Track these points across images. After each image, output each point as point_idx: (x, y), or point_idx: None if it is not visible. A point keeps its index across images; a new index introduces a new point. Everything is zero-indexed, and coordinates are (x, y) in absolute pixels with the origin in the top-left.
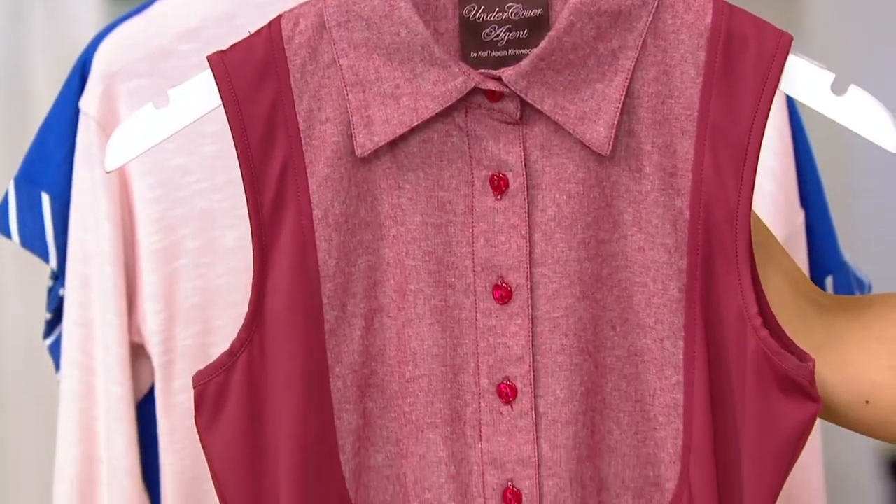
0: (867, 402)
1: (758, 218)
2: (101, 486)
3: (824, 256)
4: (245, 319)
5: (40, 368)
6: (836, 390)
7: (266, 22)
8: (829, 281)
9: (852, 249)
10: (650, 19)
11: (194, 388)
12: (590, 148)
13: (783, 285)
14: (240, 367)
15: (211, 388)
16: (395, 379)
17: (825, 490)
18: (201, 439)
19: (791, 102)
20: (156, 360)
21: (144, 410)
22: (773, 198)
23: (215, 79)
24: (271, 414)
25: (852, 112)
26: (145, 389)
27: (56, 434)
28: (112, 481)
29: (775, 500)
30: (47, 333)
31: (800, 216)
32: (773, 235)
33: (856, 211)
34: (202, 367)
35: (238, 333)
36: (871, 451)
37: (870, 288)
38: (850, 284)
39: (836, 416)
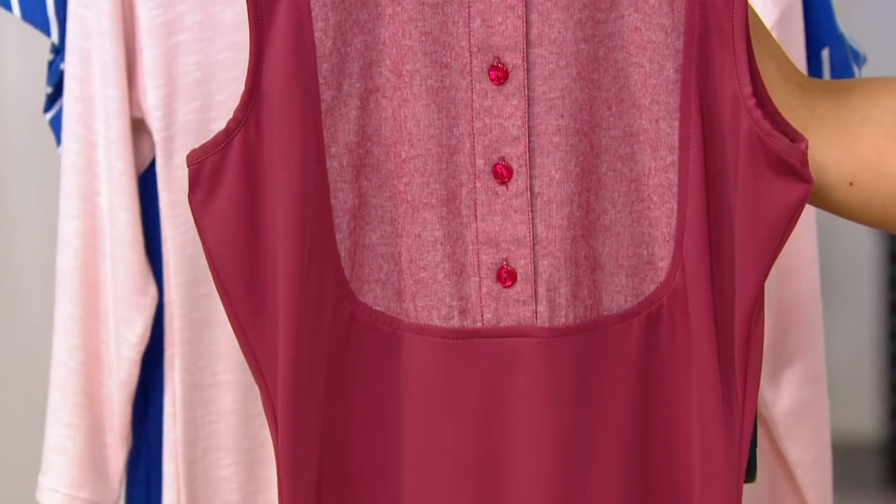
0: (851, 183)
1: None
2: (104, 258)
3: (821, 28)
4: (241, 99)
5: (42, 142)
6: (820, 172)
7: None
8: (825, 53)
9: (848, 22)
10: None
11: (189, 166)
12: None
13: (769, 68)
14: (236, 146)
15: (206, 167)
16: (391, 159)
17: (818, 262)
18: (195, 218)
19: None
20: (156, 136)
21: (145, 185)
22: None
23: None
24: (267, 193)
25: None
26: (146, 164)
27: (58, 208)
28: (115, 254)
29: (765, 277)
30: (48, 107)
31: None
32: (758, 17)
33: None
34: (202, 142)
35: (234, 113)
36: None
37: (865, 60)
38: (846, 57)
39: (819, 198)
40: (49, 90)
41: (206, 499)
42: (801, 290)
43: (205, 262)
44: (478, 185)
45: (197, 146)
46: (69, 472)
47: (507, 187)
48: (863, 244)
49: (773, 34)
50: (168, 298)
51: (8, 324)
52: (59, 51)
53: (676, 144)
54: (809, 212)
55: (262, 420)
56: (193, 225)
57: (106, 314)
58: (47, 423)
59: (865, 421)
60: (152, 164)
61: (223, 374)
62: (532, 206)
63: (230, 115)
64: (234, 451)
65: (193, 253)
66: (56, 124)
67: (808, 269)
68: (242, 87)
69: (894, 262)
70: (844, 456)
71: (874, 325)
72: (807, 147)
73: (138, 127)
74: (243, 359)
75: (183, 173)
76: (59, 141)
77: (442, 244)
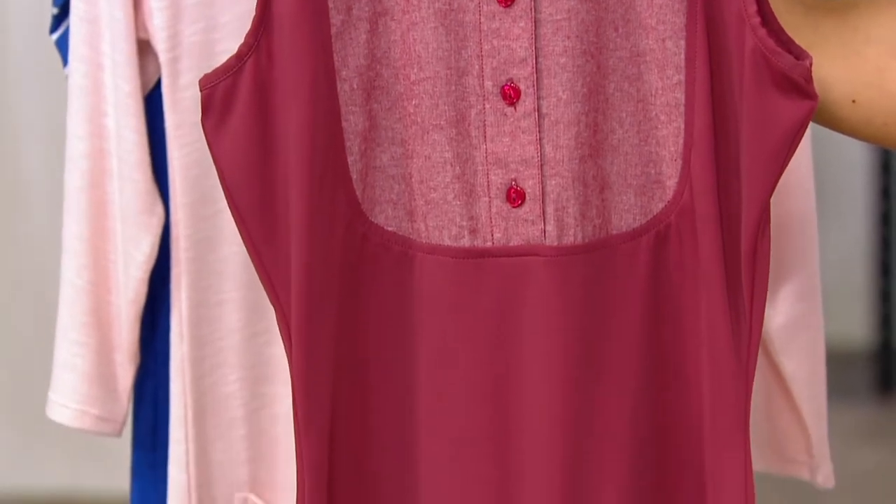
0: (854, 101)
1: None
2: (111, 179)
3: None
4: (252, 24)
5: (48, 63)
6: (823, 90)
7: None
8: None
9: None
10: None
11: (202, 91)
12: None
13: None
14: (247, 71)
15: (219, 92)
16: (400, 81)
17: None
18: (209, 142)
19: None
20: (162, 57)
21: (151, 105)
22: None
23: None
24: (279, 117)
25: None
26: (151, 84)
27: (65, 129)
28: (122, 175)
29: (770, 193)
30: (54, 28)
31: None
32: None
33: None
34: (207, 63)
35: (245, 38)
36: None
37: None
38: None
39: (821, 115)
40: (55, 11)
41: (213, 414)
42: (796, 206)
43: (210, 182)
44: (486, 106)
45: (201, 67)
46: (78, 389)
47: (515, 108)
48: (856, 154)
49: None
50: (174, 218)
51: (15, 243)
52: None
53: (683, 64)
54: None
55: (267, 337)
56: (199, 146)
57: (113, 234)
58: (56, 341)
59: (857, 329)
60: (157, 84)
61: (229, 292)
62: (540, 126)
63: (234, 37)
64: (240, 368)
65: (199, 174)
66: (62, 45)
67: (804, 186)
68: (246, 9)
69: (887, 173)
70: (836, 363)
71: (866, 234)
72: (811, 64)
73: (143, 48)
74: (248, 278)
75: (188, 94)
76: (65, 62)
77: (451, 165)
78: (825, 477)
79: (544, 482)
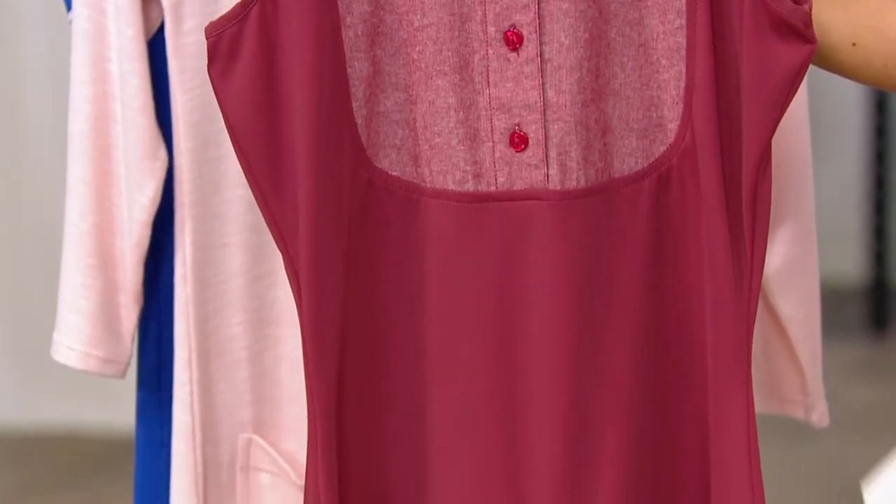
0: (853, 44)
1: None
2: (115, 123)
3: None
4: None
5: (52, 9)
6: (822, 33)
7: None
8: None
9: None
10: None
11: (207, 39)
12: None
13: None
14: (253, 18)
15: (224, 39)
16: (404, 27)
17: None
18: (215, 90)
19: None
20: (165, 2)
21: (154, 50)
22: None
23: None
24: (284, 64)
25: None
26: (154, 29)
27: (69, 74)
28: (126, 119)
29: (771, 136)
30: None
31: None
32: None
33: None
34: (210, 8)
35: None
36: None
37: None
38: None
39: (821, 59)
40: None
41: (217, 356)
42: (792, 149)
43: (213, 127)
44: (489, 52)
45: (205, 13)
46: (83, 331)
47: (517, 54)
48: (850, 94)
49: None
50: (177, 162)
51: (20, 186)
52: None
53: (684, 8)
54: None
55: (270, 280)
56: (202, 91)
57: (117, 178)
58: (61, 283)
59: (851, 266)
60: (161, 29)
61: (232, 235)
62: (542, 71)
63: None
64: (243, 311)
65: (202, 118)
66: None
67: (799, 129)
68: None
69: (881, 111)
70: (831, 301)
71: (861, 172)
72: (810, 8)
73: None
74: (251, 221)
75: (191, 40)
76: (68, 7)
77: (455, 110)
78: (820, 415)
79: (550, 419)
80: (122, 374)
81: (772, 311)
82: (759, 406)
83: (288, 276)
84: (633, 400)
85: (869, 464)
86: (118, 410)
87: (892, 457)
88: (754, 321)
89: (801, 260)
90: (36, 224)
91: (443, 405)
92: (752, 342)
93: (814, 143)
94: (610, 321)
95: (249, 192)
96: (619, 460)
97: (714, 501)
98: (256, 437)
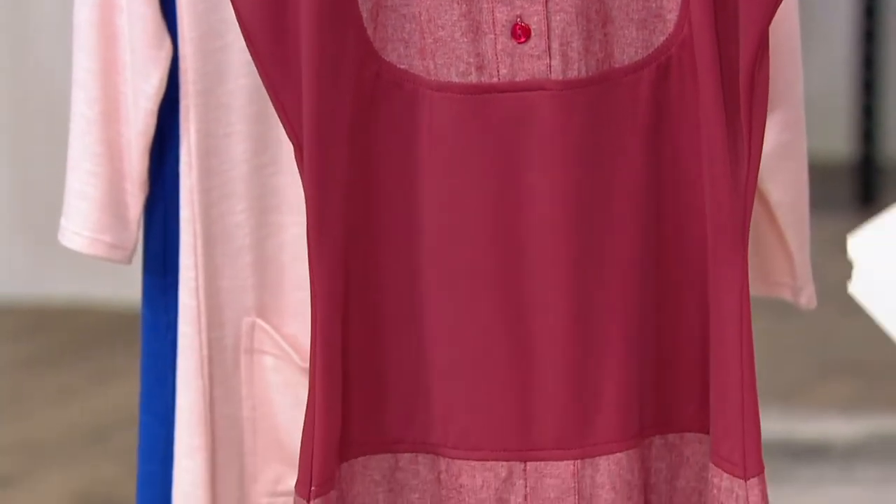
0: None
1: None
2: (121, 13)
3: None
4: None
5: None
6: None
7: None
8: None
9: None
10: None
11: None
12: None
13: None
14: None
15: None
16: None
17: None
18: None
19: None
20: None
21: None
22: None
23: None
24: None
25: None
26: None
27: None
28: (131, 9)
29: (768, 24)
30: None
31: None
32: None
33: None
34: None
35: None
36: None
37: None
38: None
39: None
40: None
41: (221, 242)
42: (782, 37)
43: (217, 16)
44: None
45: None
46: (90, 217)
47: None
48: None
49: None
50: (182, 52)
51: (26, 75)
52: None
53: None
54: None
55: (273, 169)
56: None
57: (123, 67)
58: (68, 170)
59: (840, 143)
60: None
61: (236, 125)
62: None
63: None
64: (246, 199)
65: (206, 8)
66: None
67: (789, 17)
68: None
69: None
70: (820, 177)
71: (850, 51)
72: None
73: None
74: (255, 111)
75: None
76: None
77: (458, 3)
78: (808, 298)
79: (553, 308)
80: (129, 260)
81: (761, 197)
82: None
83: (297, 164)
84: (634, 284)
85: (854, 335)
86: (125, 285)
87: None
88: (752, 208)
89: (790, 146)
90: (44, 101)
91: (443, 294)
92: (748, 226)
93: (805, 22)
94: (611, 206)
95: (253, 82)
96: (623, 332)
97: (711, 367)
98: (260, 321)
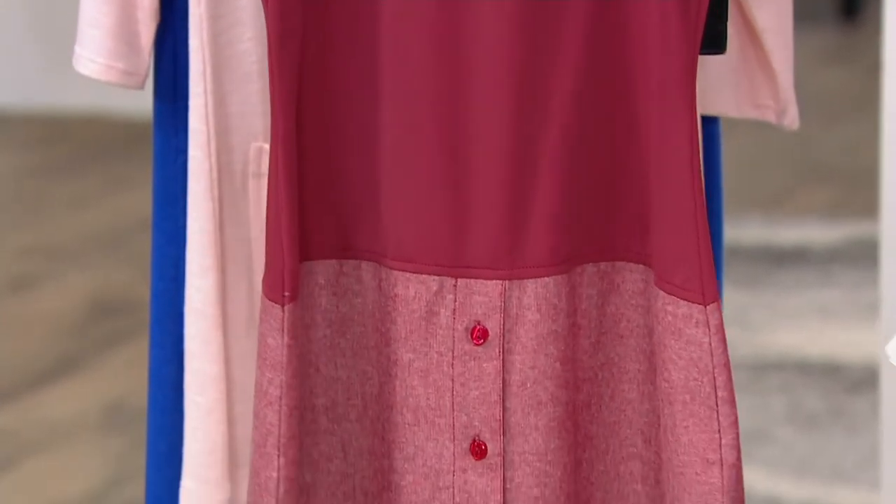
0: None
1: None
2: None
3: None
4: None
5: None
6: None
7: None
8: None
9: None
10: None
11: None
12: None
13: None
14: None
15: None
16: None
17: None
18: None
19: None
20: None
21: None
22: None
23: None
24: None
25: None
26: None
27: None
28: None
29: None
30: None
31: None
32: None
33: None
34: None
35: None
36: None
37: None
38: None
39: None
40: None
41: (229, 69)
42: None
43: None
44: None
45: None
46: (104, 45)
47: None
48: None
49: None
50: None
51: None
52: None
53: None
54: None
55: None
56: None
57: None
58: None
59: None
60: None
61: None
62: None
63: None
64: (254, 27)
65: None
66: None
67: None
68: None
69: None
70: None
71: None
72: None
73: None
74: None
75: None
76: None
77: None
78: (791, 119)
79: (494, 134)
80: (141, 86)
81: (748, 23)
82: (735, 111)
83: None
84: (574, 112)
85: (833, 144)
86: (140, 97)
87: None
88: (699, 41)
89: None
90: None
91: (395, 109)
92: (695, 63)
93: None
94: (557, 35)
95: None
96: (560, 162)
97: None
98: (266, 146)
